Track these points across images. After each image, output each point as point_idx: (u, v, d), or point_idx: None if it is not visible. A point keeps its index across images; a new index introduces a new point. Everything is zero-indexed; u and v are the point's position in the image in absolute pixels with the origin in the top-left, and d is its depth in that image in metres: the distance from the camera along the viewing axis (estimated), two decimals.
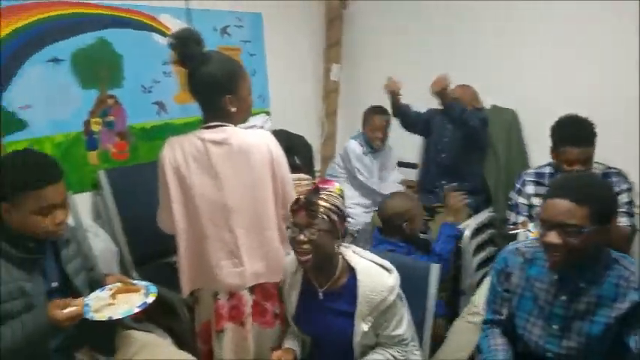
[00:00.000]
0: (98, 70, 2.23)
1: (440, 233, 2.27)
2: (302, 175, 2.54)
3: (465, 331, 2.16)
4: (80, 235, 1.92)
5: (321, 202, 1.55)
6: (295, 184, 2.46)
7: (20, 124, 2.00)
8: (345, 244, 1.68)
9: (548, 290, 1.48)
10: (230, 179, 1.68)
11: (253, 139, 1.70)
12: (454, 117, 2.60)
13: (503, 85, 2.89)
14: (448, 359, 2.10)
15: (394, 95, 2.85)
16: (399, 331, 1.61)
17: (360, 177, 3.03)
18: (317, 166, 3.41)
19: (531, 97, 2.79)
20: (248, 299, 1.76)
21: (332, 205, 1.57)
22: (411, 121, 2.97)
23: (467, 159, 2.78)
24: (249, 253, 1.72)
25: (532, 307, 1.51)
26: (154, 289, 1.52)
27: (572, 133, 2.20)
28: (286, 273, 1.74)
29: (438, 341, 2.09)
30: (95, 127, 2.24)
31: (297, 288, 1.69)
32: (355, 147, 3.13)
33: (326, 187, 1.61)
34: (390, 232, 2.17)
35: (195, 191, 1.67)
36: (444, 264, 2.07)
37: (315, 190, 1.58)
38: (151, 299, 1.48)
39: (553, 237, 1.35)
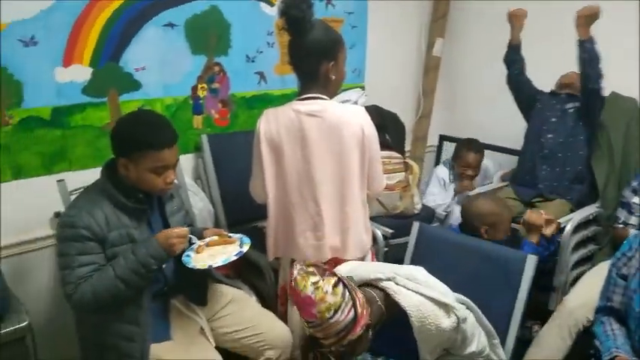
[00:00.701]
0: (208, 37, 2.32)
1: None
2: (393, 153, 2.51)
3: (556, 336, 2.06)
4: (183, 192, 2.06)
5: (327, 342, 1.19)
6: (385, 162, 2.45)
7: (136, 85, 2.13)
8: (388, 276, 1.38)
9: None
10: (319, 152, 1.70)
11: (346, 114, 1.70)
12: (588, 54, 2.29)
13: (627, 72, 2.61)
14: None
15: (517, 25, 2.52)
16: (472, 349, 1.51)
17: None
18: (408, 146, 3.32)
19: None
20: None
21: (336, 332, 1.18)
22: (521, 78, 2.65)
23: (574, 143, 2.53)
24: (330, 227, 1.74)
25: None
26: (247, 239, 1.61)
27: None
28: None
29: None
30: (201, 93, 2.35)
31: None
32: (442, 173, 3.06)
33: (312, 312, 1.15)
34: (470, 232, 2.04)
35: (286, 162, 1.72)
36: None
37: (312, 341, 1.24)
38: (245, 248, 1.57)
39: None
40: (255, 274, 2.08)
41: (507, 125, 2.94)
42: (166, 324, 1.63)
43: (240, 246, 1.59)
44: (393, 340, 1.44)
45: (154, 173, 1.50)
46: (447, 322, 1.35)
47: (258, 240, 2.01)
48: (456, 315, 1.38)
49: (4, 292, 1.49)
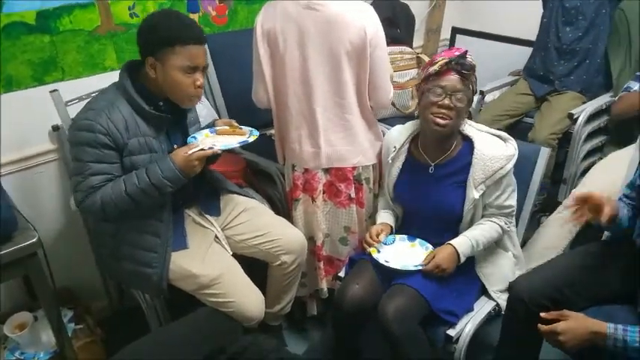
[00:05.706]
0: None
1: None
2: (405, 48, 2.37)
3: (559, 227, 2.08)
4: None
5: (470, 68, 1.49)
6: (396, 59, 2.31)
7: None
8: None
9: None
10: (315, 51, 1.59)
11: (348, 11, 1.56)
12: None
13: None
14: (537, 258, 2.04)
15: None
16: (511, 202, 1.58)
17: None
18: (420, 41, 3.13)
19: None
20: (321, 178, 1.78)
21: (474, 74, 1.50)
22: None
23: (595, 33, 2.42)
24: (327, 134, 1.69)
25: None
26: (256, 132, 1.55)
27: None
28: (389, 147, 1.69)
29: None
30: None
31: (400, 161, 1.66)
32: None
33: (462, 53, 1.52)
34: None
35: (285, 61, 1.62)
36: None
37: (463, 55, 1.47)
38: (252, 139, 1.51)
39: None
40: (266, 181, 2.05)
41: (522, 15, 2.76)
42: (183, 233, 1.62)
43: (249, 137, 1.52)
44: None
45: (183, 73, 1.40)
46: (508, 149, 1.53)
47: (268, 148, 1.96)
48: (513, 146, 1.55)
49: (8, 210, 1.41)
